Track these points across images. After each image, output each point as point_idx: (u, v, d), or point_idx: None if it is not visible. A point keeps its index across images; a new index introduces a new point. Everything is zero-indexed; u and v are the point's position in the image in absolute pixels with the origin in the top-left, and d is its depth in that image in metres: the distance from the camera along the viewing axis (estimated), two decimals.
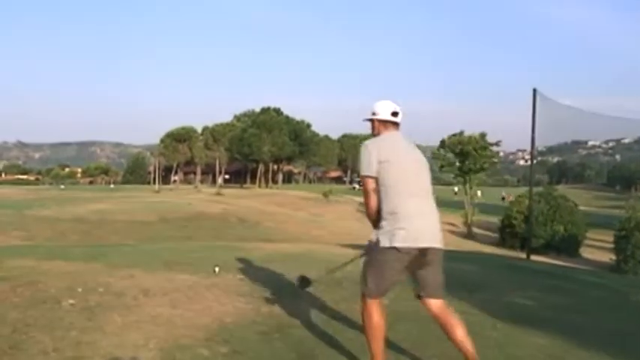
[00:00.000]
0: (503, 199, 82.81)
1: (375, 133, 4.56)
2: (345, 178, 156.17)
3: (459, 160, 56.40)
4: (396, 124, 4.50)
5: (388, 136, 4.46)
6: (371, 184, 4.33)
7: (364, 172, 4.33)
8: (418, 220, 4.22)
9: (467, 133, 56.32)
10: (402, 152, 4.37)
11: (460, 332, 4.25)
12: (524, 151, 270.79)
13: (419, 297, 4.47)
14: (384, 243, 4.20)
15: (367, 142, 4.46)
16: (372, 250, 4.34)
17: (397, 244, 4.15)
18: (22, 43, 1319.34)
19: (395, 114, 4.48)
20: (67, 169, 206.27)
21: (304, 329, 5.61)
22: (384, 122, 4.50)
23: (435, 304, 4.39)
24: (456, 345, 4.27)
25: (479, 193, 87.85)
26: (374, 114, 4.53)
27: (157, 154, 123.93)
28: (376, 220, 4.36)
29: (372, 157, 4.29)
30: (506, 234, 47.11)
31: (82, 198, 53.52)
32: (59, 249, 12.00)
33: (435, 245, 4.29)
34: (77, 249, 12.15)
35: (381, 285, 4.33)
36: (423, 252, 4.22)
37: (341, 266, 5.84)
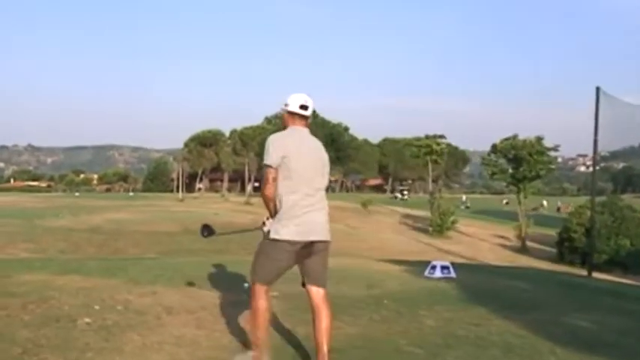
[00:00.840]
0: (558, 209, 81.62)
1: (284, 125, 5.14)
2: (386, 187, 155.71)
3: (512, 166, 55.72)
4: (303, 118, 5.04)
5: (294, 130, 5.03)
6: (271, 174, 4.88)
7: (266, 161, 4.88)
8: (310, 216, 4.87)
9: (521, 137, 55.63)
10: (303, 149, 4.96)
11: (325, 324, 4.89)
12: (585, 156, 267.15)
13: (303, 285, 5.13)
14: (276, 235, 4.82)
15: (273, 135, 5.05)
16: (264, 238, 4.95)
17: (288, 237, 4.79)
18: (34, 41, 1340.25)
19: (304, 107, 5.01)
20: (81, 175, 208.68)
21: (342, 352, 5.59)
22: (293, 115, 5.03)
23: (317, 292, 5.01)
24: (315, 333, 4.92)
25: (544, 202, 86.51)
26: (285, 105, 5.07)
27: (181, 159, 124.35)
28: (272, 209, 4.96)
29: (277, 148, 4.87)
30: (565, 248, 46.36)
31: (98, 207, 54.13)
32: (73, 262, 12.15)
33: (322, 238, 4.95)
34: (93, 262, 12.29)
35: (268, 273, 4.94)
36: (311, 244, 4.88)
37: (231, 232, 6.53)
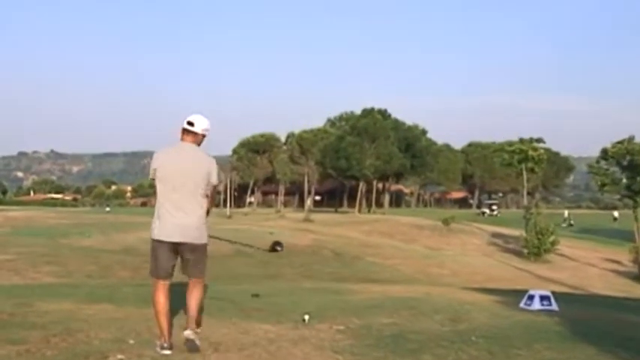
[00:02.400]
0: None
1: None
2: (471, 201, 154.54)
3: (627, 175, 54.64)
4: (190, 133, 6.78)
5: (177, 145, 6.84)
6: (154, 184, 6.79)
7: (150, 174, 6.84)
8: (173, 221, 6.59)
9: (638, 139, 54.53)
10: (175, 161, 6.71)
11: (193, 300, 6.74)
12: None
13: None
14: (152, 235, 6.72)
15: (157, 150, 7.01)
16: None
17: (155, 237, 6.69)
18: (57, 34, 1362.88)
19: (190, 123, 6.76)
20: (113, 187, 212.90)
21: None
22: (183, 130, 6.79)
23: (192, 281, 6.86)
24: (187, 300, 6.76)
25: None
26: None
27: (229, 168, 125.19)
28: None
29: (153, 163, 6.78)
30: None
31: (132, 224, 54.91)
32: (104, 289, 12.36)
33: (186, 241, 6.64)
34: (127, 289, 12.47)
35: (155, 267, 6.76)
36: (177, 244, 6.63)
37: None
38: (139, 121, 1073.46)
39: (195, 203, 6.68)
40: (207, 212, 6.90)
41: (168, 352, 6.43)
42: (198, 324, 6.89)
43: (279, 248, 8.91)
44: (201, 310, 7.00)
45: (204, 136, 6.88)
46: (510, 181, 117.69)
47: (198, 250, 6.78)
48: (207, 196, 6.80)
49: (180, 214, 6.60)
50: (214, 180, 6.83)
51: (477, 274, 39.00)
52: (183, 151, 6.75)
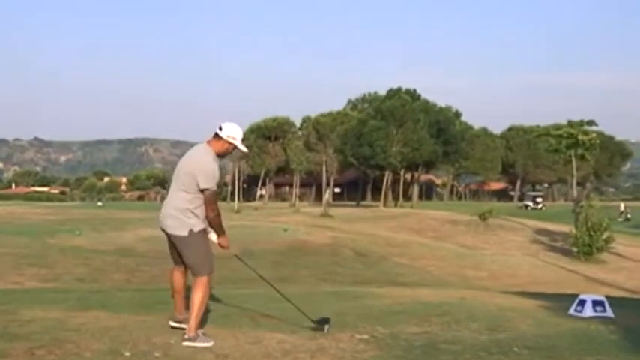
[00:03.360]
0: None
1: None
2: (512, 193, 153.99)
3: None
4: (216, 136, 7.75)
5: (198, 145, 7.97)
6: None
7: None
8: (163, 209, 7.80)
9: None
10: (184, 157, 7.89)
11: (193, 297, 7.47)
12: None
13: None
14: None
15: None
16: None
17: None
18: (44, 9, 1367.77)
19: (219, 128, 7.75)
20: (106, 179, 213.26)
21: None
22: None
23: (193, 278, 7.69)
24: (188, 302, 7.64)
25: None
26: None
27: (237, 157, 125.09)
28: None
29: None
30: None
31: (128, 220, 55.12)
32: (96, 294, 12.39)
33: (164, 229, 7.75)
34: (122, 294, 12.52)
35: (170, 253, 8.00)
36: (167, 234, 7.76)
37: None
38: (136, 106, 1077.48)
39: (181, 196, 7.63)
40: (211, 220, 7.67)
41: (172, 323, 7.90)
42: (193, 326, 7.39)
43: (326, 326, 8.84)
44: (198, 310, 7.47)
45: (231, 145, 7.75)
46: (557, 170, 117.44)
47: (180, 242, 7.64)
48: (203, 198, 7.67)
49: (166, 204, 7.81)
50: (201, 184, 7.50)
51: (518, 276, 38.89)
52: (193, 150, 7.96)
